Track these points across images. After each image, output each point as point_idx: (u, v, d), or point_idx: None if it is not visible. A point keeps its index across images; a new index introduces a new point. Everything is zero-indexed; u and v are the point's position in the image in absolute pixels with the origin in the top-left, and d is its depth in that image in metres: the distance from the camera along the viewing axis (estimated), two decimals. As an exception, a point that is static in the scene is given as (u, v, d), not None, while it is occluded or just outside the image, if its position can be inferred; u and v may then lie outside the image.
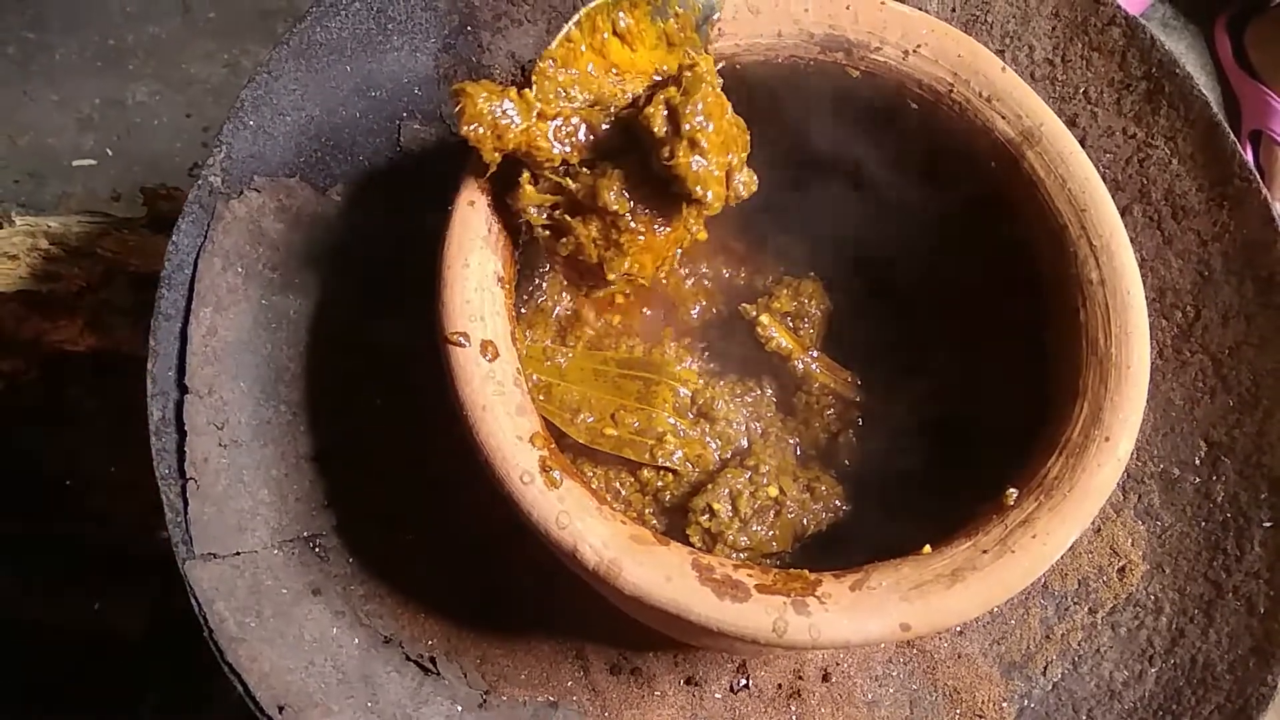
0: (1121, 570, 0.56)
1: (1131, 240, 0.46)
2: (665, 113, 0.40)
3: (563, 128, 0.42)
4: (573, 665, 0.53)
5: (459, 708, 0.51)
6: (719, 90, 0.42)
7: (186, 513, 0.52)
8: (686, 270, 0.60)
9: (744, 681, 0.54)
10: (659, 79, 0.45)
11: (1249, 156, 1.18)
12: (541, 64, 0.42)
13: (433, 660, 0.52)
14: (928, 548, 0.41)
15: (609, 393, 0.54)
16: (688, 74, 0.41)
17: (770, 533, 0.51)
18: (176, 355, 0.54)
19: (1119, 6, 0.60)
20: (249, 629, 0.51)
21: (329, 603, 0.52)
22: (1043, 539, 0.40)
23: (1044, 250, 0.48)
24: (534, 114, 0.41)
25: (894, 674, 0.54)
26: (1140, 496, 0.57)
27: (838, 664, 0.54)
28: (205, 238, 0.55)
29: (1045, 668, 0.55)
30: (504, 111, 0.40)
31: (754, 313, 0.55)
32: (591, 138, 0.43)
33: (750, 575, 0.39)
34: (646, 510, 0.53)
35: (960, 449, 0.52)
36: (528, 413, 0.42)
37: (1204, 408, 0.57)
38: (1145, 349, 0.44)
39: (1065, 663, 0.55)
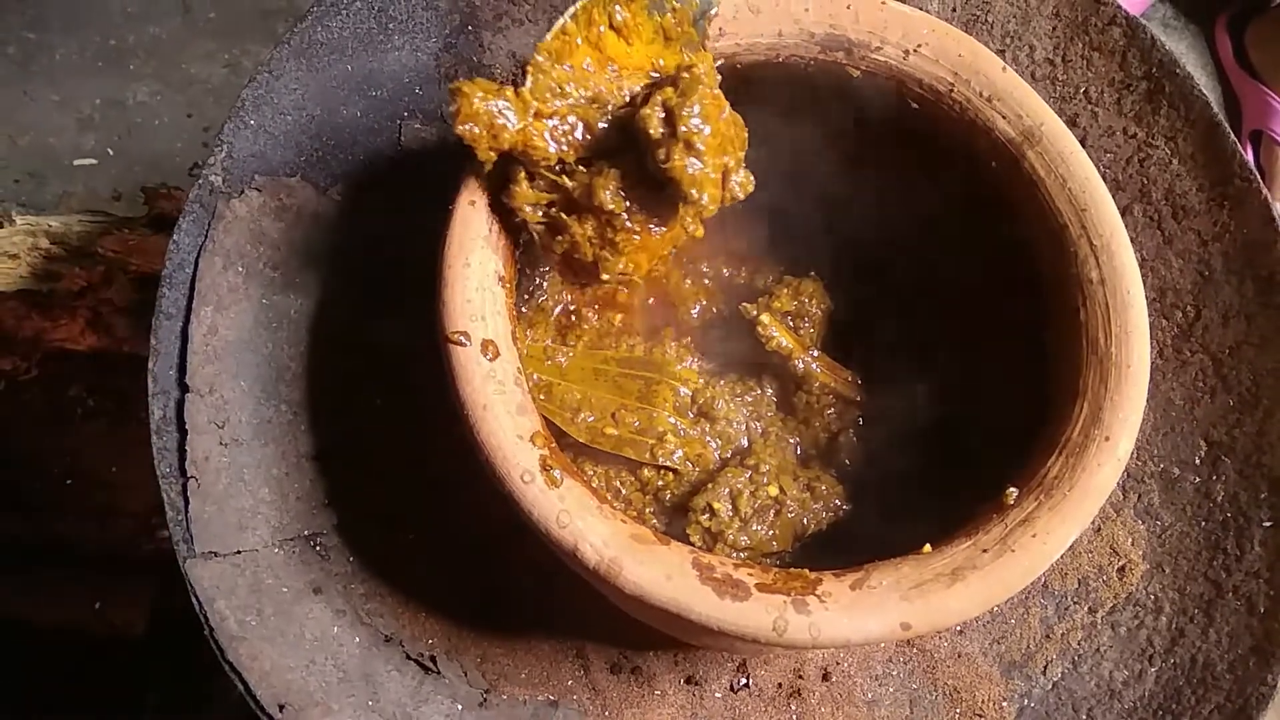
0: (1121, 570, 0.56)
1: (1132, 240, 0.46)
2: (662, 114, 0.40)
3: (559, 127, 0.42)
4: (573, 664, 0.53)
5: (459, 706, 0.51)
6: (716, 91, 0.41)
7: (187, 511, 0.52)
8: (687, 270, 0.60)
9: (744, 680, 0.54)
10: (656, 77, 0.45)
11: (1249, 156, 1.18)
12: (536, 56, 0.42)
13: (433, 659, 0.52)
14: (928, 547, 0.41)
15: (609, 392, 0.54)
16: (685, 75, 0.41)
17: (770, 532, 0.51)
18: (177, 354, 0.54)
19: (1119, 6, 0.60)
20: (250, 627, 0.51)
21: (330, 601, 0.52)
22: (1043, 538, 0.40)
23: (1044, 250, 0.48)
24: (530, 113, 0.41)
25: (894, 673, 0.55)
26: (1140, 496, 0.57)
27: (838, 663, 0.54)
28: (206, 237, 0.55)
29: (1045, 667, 0.55)
30: (500, 110, 0.40)
31: (754, 312, 0.55)
32: (588, 137, 0.43)
33: (750, 574, 0.39)
34: (647, 509, 0.53)
35: (960, 448, 0.52)
36: (528, 412, 0.42)
37: (1204, 407, 0.57)
38: (1145, 348, 0.44)
39: (1065, 662, 0.55)
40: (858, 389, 0.56)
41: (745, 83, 0.49)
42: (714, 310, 0.60)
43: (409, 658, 0.52)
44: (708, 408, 0.55)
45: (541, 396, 0.52)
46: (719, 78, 0.42)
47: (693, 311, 0.59)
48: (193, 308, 0.54)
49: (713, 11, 0.46)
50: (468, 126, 0.40)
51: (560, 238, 0.44)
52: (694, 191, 0.41)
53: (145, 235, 0.86)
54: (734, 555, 0.49)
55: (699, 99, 0.40)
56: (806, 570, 0.40)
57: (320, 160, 0.58)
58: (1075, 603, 0.56)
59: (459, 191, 0.44)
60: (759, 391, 0.57)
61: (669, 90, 0.40)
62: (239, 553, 0.52)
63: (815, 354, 0.56)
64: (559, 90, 0.42)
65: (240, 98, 0.57)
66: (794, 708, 0.53)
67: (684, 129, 0.40)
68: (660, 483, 0.53)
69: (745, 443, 0.56)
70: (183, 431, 0.53)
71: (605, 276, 0.45)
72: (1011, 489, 0.43)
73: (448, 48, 0.60)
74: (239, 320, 0.55)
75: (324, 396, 0.55)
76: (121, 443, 0.91)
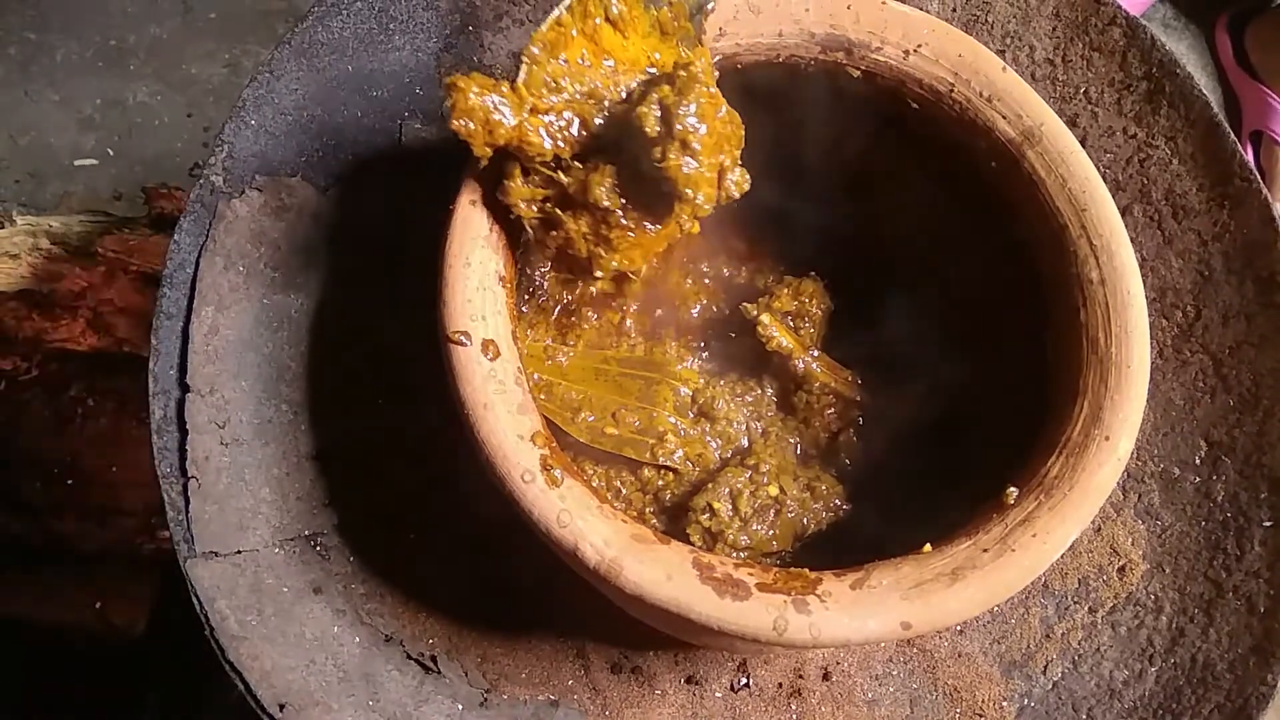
0: (1122, 569, 0.56)
1: (1132, 240, 0.46)
2: (658, 113, 0.40)
3: (555, 123, 0.42)
4: (573, 664, 0.53)
5: (460, 706, 0.51)
6: (713, 89, 0.41)
7: (188, 511, 0.52)
8: (688, 270, 0.60)
9: (744, 680, 0.54)
10: (653, 72, 0.44)
11: (1249, 157, 1.18)
12: (530, 47, 0.41)
13: (434, 659, 0.52)
14: (928, 546, 0.41)
15: (610, 392, 0.54)
16: (682, 73, 0.40)
17: (771, 532, 0.51)
18: (178, 354, 0.54)
19: (1120, 7, 0.60)
20: (250, 627, 0.51)
21: (330, 601, 0.52)
22: (1043, 538, 0.40)
23: (1044, 250, 0.48)
24: (526, 109, 0.41)
25: (894, 673, 0.55)
26: (1140, 496, 0.57)
27: (838, 663, 0.54)
28: (207, 237, 0.55)
29: (1045, 667, 0.55)
30: (495, 106, 0.40)
31: (755, 312, 0.55)
32: (584, 133, 0.42)
33: (751, 574, 0.39)
34: (647, 509, 0.53)
35: (960, 448, 0.52)
36: (529, 411, 0.42)
37: (1204, 407, 0.57)
38: (1145, 348, 0.44)
39: (1065, 662, 0.55)
40: (858, 389, 0.56)
41: (745, 83, 0.49)
42: (715, 310, 0.60)
43: (409, 657, 0.52)
44: (708, 407, 0.55)
45: (542, 396, 0.52)
46: (717, 75, 0.42)
47: (693, 311, 0.59)
48: (193, 307, 0.54)
49: (710, 6, 0.46)
50: (463, 122, 0.40)
51: (555, 233, 0.44)
52: (689, 190, 0.41)
53: (146, 235, 0.86)
54: (734, 555, 0.50)
55: (695, 97, 0.40)
56: (807, 570, 0.40)
57: (321, 160, 0.58)
58: (1075, 602, 0.56)
59: (459, 191, 0.44)
60: (759, 391, 0.57)
61: (665, 88, 0.40)
62: (239, 552, 0.52)
63: (815, 354, 0.56)
64: (554, 85, 0.42)
65: (241, 98, 0.57)
66: (794, 707, 0.53)
67: (680, 128, 0.39)
68: (660, 482, 0.53)
69: (745, 442, 0.56)
70: (183, 431, 0.53)
71: (599, 273, 0.45)
72: (1012, 489, 0.43)
73: (448, 48, 0.60)
74: (240, 320, 0.55)
75: (324, 396, 0.55)
76: (122, 443, 0.91)
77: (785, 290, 0.56)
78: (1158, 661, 0.55)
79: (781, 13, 0.48)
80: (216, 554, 0.52)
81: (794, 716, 0.53)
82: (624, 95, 0.43)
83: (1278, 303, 0.57)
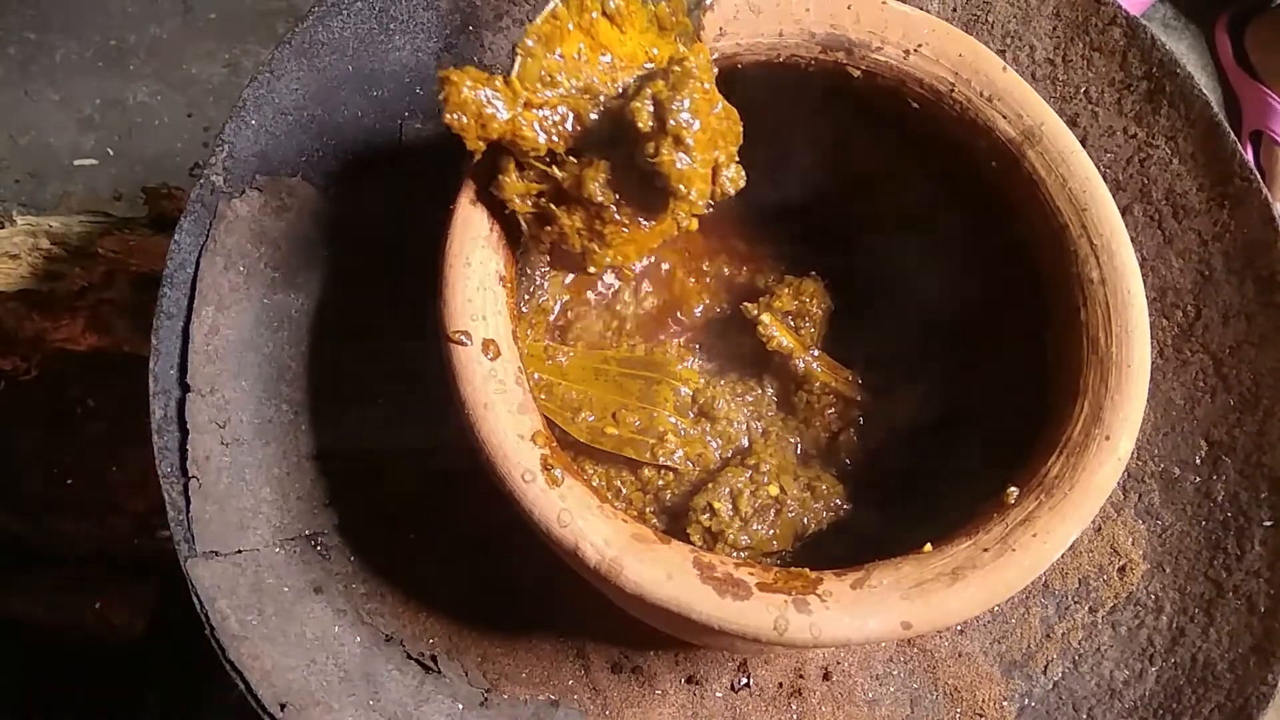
0: (1122, 569, 0.56)
1: (1132, 240, 0.46)
2: (651, 108, 0.40)
3: (549, 117, 0.41)
4: (574, 664, 0.53)
5: (460, 706, 0.51)
6: (708, 85, 0.41)
7: (188, 511, 0.52)
8: (690, 269, 0.60)
9: (745, 680, 0.54)
10: (651, 68, 0.44)
11: (1249, 157, 1.18)
12: (525, 40, 0.41)
13: (434, 659, 0.52)
14: (928, 546, 0.41)
15: (610, 391, 0.54)
16: (676, 69, 0.40)
17: (771, 531, 0.51)
18: (179, 354, 0.54)
19: (1120, 7, 0.60)
20: (251, 627, 0.51)
21: (330, 601, 0.52)
22: (1043, 538, 0.40)
23: (1045, 249, 0.48)
24: (520, 103, 0.40)
25: (895, 672, 0.55)
26: (1141, 496, 0.57)
27: (838, 662, 0.54)
28: (207, 236, 0.55)
29: (1046, 666, 0.55)
30: (488, 100, 0.40)
31: (755, 312, 0.55)
32: (579, 128, 0.42)
33: (751, 573, 0.39)
34: (647, 509, 0.53)
35: (960, 448, 0.52)
36: (529, 411, 0.42)
37: (1204, 407, 0.57)
38: (1146, 348, 0.44)
39: (1066, 661, 0.55)
40: (858, 388, 0.56)
41: (746, 82, 0.49)
42: (715, 310, 0.60)
43: (410, 657, 0.52)
44: (708, 407, 0.55)
45: (542, 396, 0.52)
46: (715, 71, 0.42)
47: (694, 311, 0.59)
48: (194, 307, 0.54)
49: (708, 2, 0.46)
50: (455, 116, 0.39)
51: (549, 228, 0.44)
52: (682, 186, 0.40)
53: (146, 235, 0.86)
54: (735, 555, 0.50)
55: (689, 93, 0.39)
56: (807, 569, 0.40)
57: (321, 160, 0.58)
58: (1076, 602, 0.56)
59: (460, 191, 0.44)
60: (759, 391, 0.57)
61: (659, 83, 0.40)
62: (240, 552, 0.52)
63: (816, 353, 0.56)
64: (550, 80, 0.41)
65: (241, 97, 0.57)
66: (795, 707, 0.53)
67: (673, 123, 0.39)
68: (661, 482, 0.53)
69: (746, 442, 0.56)
70: (184, 431, 0.53)
71: (592, 269, 0.44)
72: (1012, 488, 0.43)
73: (448, 48, 0.60)
74: (240, 320, 0.55)
75: (325, 396, 0.55)
76: (122, 443, 0.91)
77: (786, 290, 0.56)
78: (1158, 661, 0.55)
79: (782, 12, 0.48)
80: (217, 553, 0.52)
81: (794, 716, 0.53)
82: (620, 90, 0.43)
83: (1278, 302, 0.57)
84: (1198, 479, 0.57)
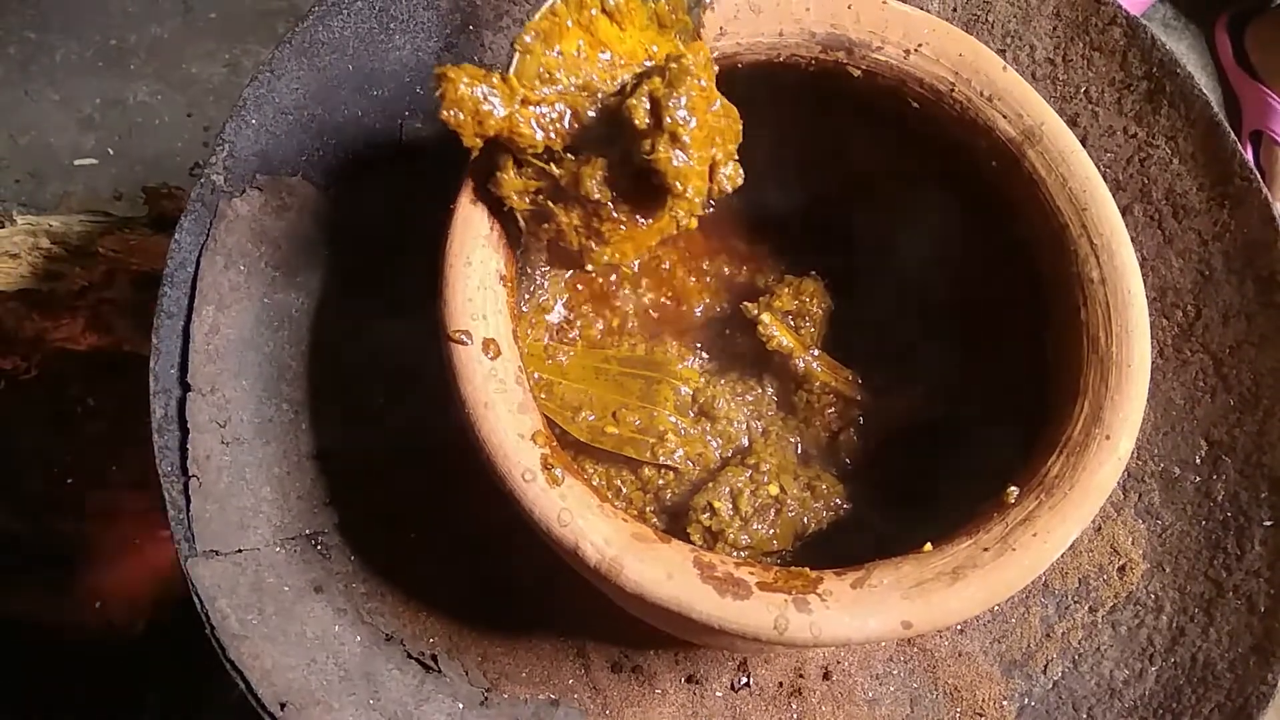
0: (1122, 569, 0.56)
1: (1132, 239, 0.46)
2: (648, 105, 0.39)
3: (547, 114, 0.41)
4: (574, 663, 0.53)
5: (460, 705, 0.51)
6: (705, 83, 0.41)
7: (189, 510, 0.52)
8: (690, 268, 0.60)
9: (745, 679, 0.54)
10: (649, 64, 0.44)
11: (1249, 156, 1.18)
12: (523, 36, 0.41)
13: (434, 658, 0.52)
14: (929, 546, 0.41)
15: (610, 391, 0.54)
16: (673, 65, 0.40)
17: (771, 531, 0.51)
18: (179, 353, 0.54)
19: (1120, 6, 0.60)
20: (251, 626, 0.51)
21: (331, 600, 0.52)
22: (1043, 537, 0.40)
23: (1045, 249, 0.48)
24: (517, 100, 0.40)
25: (895, 672, 0.55)
26: (1141, 495, 0.57)
27: (839, 662, 0.54)
28: (208, 236, 0.55)
29: (1046, 666, 0.55)
30: (485, 96, 0.40)
31: (755, 311, 0.55)
32: (576, 125, 0.42)
33: (752, 573, 0.39)
34: (647, 508, 0.53)
35: (961, 447, 0.52)
36: (529, 410, 0.42)
37: (1204, 407, 0.57)
38: (1146, 348, 0.44)
39: (1066, 661, 0.55)
40: (858, 388, 0.56)
41: (746, 82, 0.49)
42: (715, 309, 0.60)
43: (410, 656, 0.52)
44: (708, 407, 0.55)
45: (542, 395, 0.52)
46: (715, 69, 0.42)
47: (694, 310, 0.59)
48: (194, 307, 0.54)
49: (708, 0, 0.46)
50: (452, 112, 0.39)
51: (546, 226, 0.43)
52: (678, 184, 0.40)
53: (146, 235, 0.86)
54: (735, 554, 0.50)
55: (686, 90, 0.39)
56: (807, 569, 0.40)
57: (322, 159, 0.58)
58: (1076, 602, 0.56)
59: (460, 190, 0.44)
60: (760, 390, 0.57)
61: (656, 81, 0.40)
62: (240, 551, 0.52)
63: (816, 353, 0.56)
64: (549, 77, 0.41)
65: (242, 97, 0.57)
66: (795, 706, 0.54)
67: (669, 121, 0.39)
68: (661, 481, 0.53)
69: (746, 442, 0.56)
70: (184, 430, 0.53)
71: (590, 267, 0.44)
72: (1012, 488, 0.43)
73: (449, 47, 0.60)
74: (240, 319, 0.55)
75: (325, 395, 0.55)
76: (122, 442, 0.91)
77: (786, 289, 0.56)
78: (1158, 661, 0.55)
79: (782, 12, 0.48)
80: (217, 553, 0.52)
81: (794, 715, 0.53)
82: (618, 88, 0.43)
83: (1278, 302, 0.57)
84: (1198, 479, 0.57)
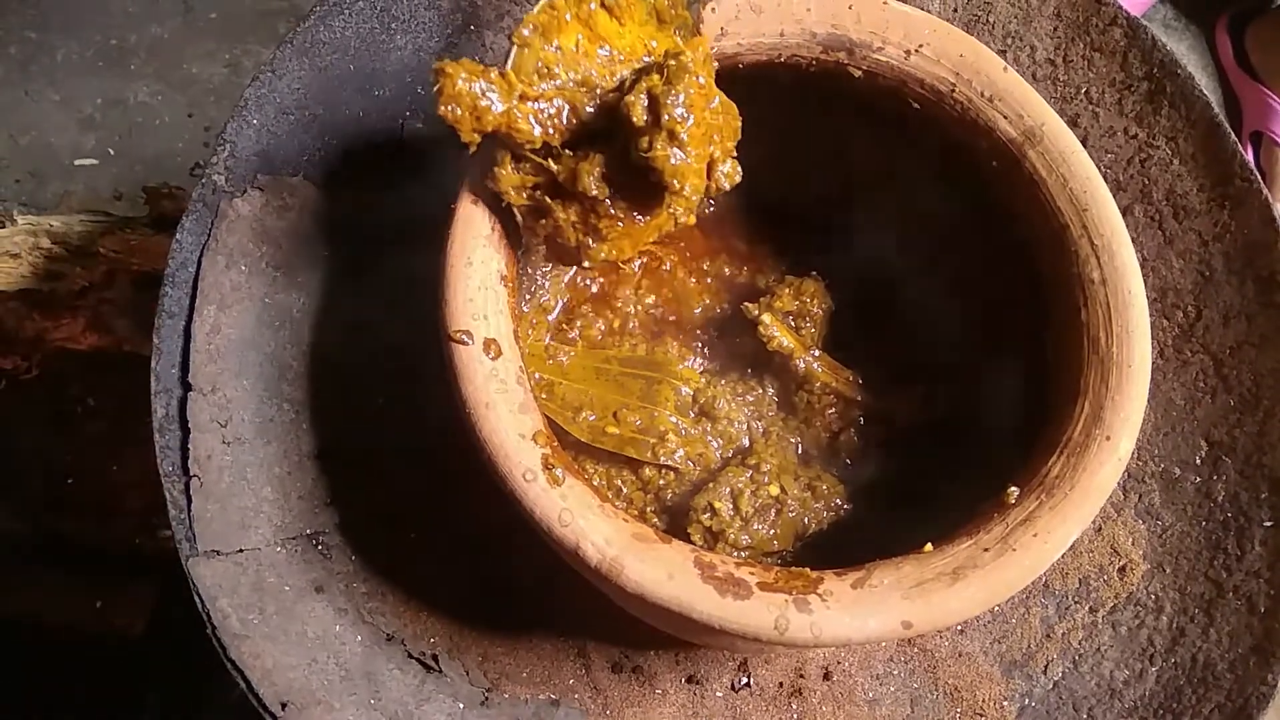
0: (1122, 569, 0.56)
1: (1133, 240, 0.46)
2: (646, 102, 0.39)
3: (545, 110, 0.41)
4: (574, 663, 0.53)
5: (461, 705, 0.51)
6: (704, 80, 0.40)
7: (190, 510, 0.52)
8: (691, 268, 0.60)
9: (745, 680, 0.54)
10: (648, 61, 0.44)
11: (1250, 157, 1.18)
12: (521, 30, 0.41)
13: (435, 658, 0.52)
14: (929, 546, 0.41)
15: (611, 391, 0.54)
16: (672, 63, 0.40)
17: (771, 531, 0.51)
18: (180, 353, 0.54)
19: (1120, 7, 0.60)
20: (252, 626, 0.51)
21: (332, 600, 0.52)
22: (1044, 537, 0.40)
23: (1045, 250, 0.48)
24: (515, 96, 0.40)
25: (895, 672, 0.55)
26: (1141, 496, 0.57)
27: (839, 662, 0.55)
28: (209, 236, 0.55)
29: (1046, 666, 0.55)
30: (483, 92, 0.39)
31: (756, 312, 0.55)
32: (574, 121, 0.42)
33: (752, 573, 0.39)
34: (648, 508, 0.53)
35: (961, 448, 0.52)
36: (530, 411, 0.42)
37: (1205, 407, 0.57)
38: (1146, 348, 0.44)
39: (1066, 661, 0.55)
40: (858, 389, 0.56)
41: (747, 82, 0.49)
42: (716, 310, 0.60)
43: (411, 656, 0.52)
44: (709, 407, 0.55)
45: (543, 395, 0.52)
46: (715, 65, 0.42)
47: (695, 311, 0.59)
48: (195, 306, 0.54)
49: None
50: (450, 108, 0.39)
51: (544, 221, 0.43)
52: (675, 181, 0.40)
53: (146, 235, 0.86)
54: (735, 554, 0.50)
55: (685, 88, 0.39)
56: (808, 569, 0.40)
57: (323, 159, 0.58)
58: (1076, 602, 0.56)
59: (461, 190, 0.44)
60: (760, 391, 0.57)
61: (654, 77, 0.40)
62: (241, 551, 0.52)
63: (816, 354, 0.56)
64: (547, 72, 0.41)
65: (243, 97, 0.57)
66: (795, 707, 0.54)
67: (667, 118, 0.39)
68: (661, 482, 0.53)
69: (746, 442, 0.56)
70: (185, 430, 0.53)
71: (587, 263, 0.44)
72: (1013, 488, 0.43)
73: (450, 47, 0.60)
74: (241, 319, 0.55)
75: (326, 395, 0.55)
76: (122, 442, 0.91)
77: (786, 290, 0.56)
78: (1158, 661, 0.55)
79: (783, 12, 0.48)
80: (218, 553, 0.52)
81: (795, 716, 0.53)
82: (617, 84, 0.43)
83: (1278, 303, 0.57)
84: (1198, 479, 0.57)
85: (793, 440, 0.57)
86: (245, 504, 0.53)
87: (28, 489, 0.92)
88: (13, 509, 0.92)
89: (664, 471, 0.53)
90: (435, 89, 0.39)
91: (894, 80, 0.49)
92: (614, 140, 0.41)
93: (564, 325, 0.58)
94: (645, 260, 0.59)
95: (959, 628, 0.55)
